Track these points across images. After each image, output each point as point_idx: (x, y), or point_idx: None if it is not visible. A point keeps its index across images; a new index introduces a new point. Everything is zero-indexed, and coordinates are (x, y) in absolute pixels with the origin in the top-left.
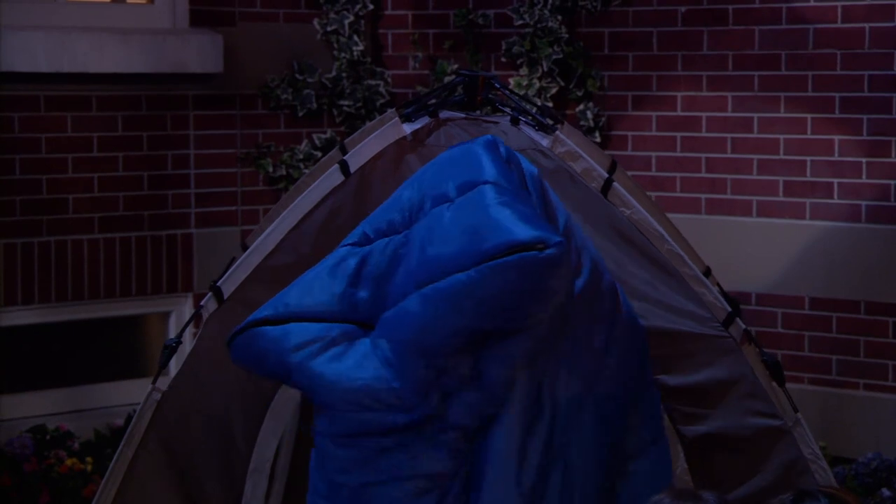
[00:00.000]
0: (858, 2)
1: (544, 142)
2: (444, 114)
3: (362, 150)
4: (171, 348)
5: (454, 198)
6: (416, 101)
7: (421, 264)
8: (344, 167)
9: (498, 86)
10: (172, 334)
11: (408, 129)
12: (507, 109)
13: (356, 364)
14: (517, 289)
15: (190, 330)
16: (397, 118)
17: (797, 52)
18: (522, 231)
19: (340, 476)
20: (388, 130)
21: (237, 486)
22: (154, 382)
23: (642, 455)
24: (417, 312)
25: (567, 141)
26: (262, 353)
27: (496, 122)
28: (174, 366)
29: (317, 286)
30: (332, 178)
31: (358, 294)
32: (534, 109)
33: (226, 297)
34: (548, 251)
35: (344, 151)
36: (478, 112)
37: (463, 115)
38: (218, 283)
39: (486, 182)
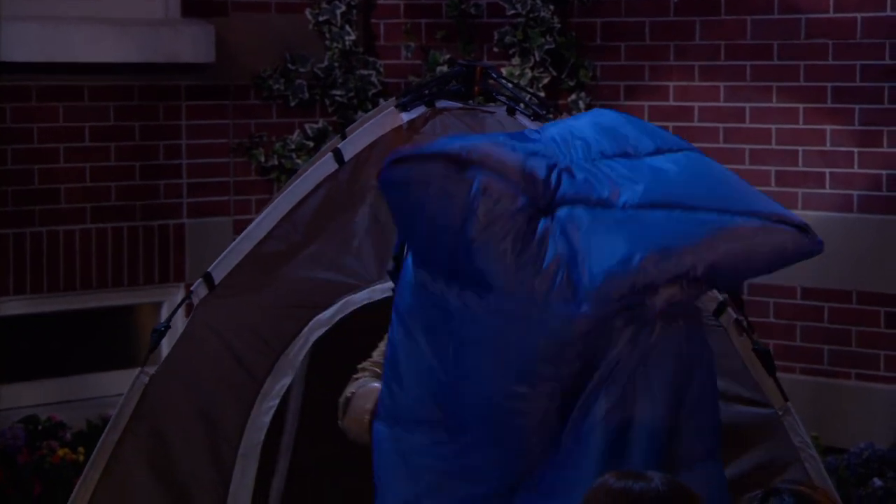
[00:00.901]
0: None
1: None
2: (440, 103)
3: (357, 139)
4: (160, 332)
5: (643, 154)
6: (413, 90)
7: (652, 183)
8: (338, 155)
9: (495, 76)
10: None
11: (405, 117)
12: (503, 99)
13: (539, 248)
14: (775, 258)
15: (181, 315)
16: (394, 107)
17: (789, 42)
18: (792, 214)
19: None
20: (385, 119)
21: (226, 471)
22: (143, 366)
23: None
24: (659, 227)
25: None
26: (448, 194)
27: (492, 112)
28: (164, 351)
29: (501, 147)
30: (325, 166)
31: (538, 172)
32: (527, 98)
33: (216, 282)
34: (818, 245)
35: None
36: (471, 102)
37: (459, 105)
38: (209, 269)
39: (689, 149)
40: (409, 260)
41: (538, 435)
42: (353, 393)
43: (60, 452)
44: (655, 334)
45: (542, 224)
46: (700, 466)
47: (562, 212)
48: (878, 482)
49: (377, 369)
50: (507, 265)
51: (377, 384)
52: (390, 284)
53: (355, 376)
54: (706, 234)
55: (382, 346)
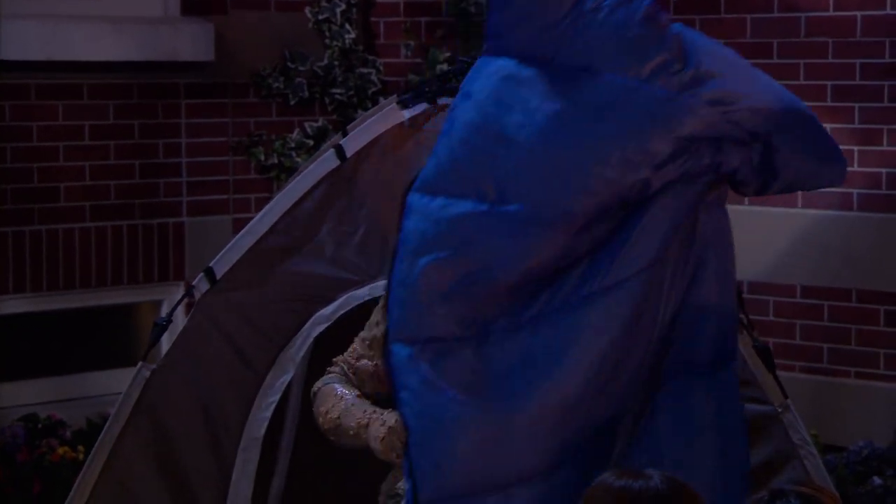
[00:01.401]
0: None
1: None
2: (441, 100)
3: (359, 135)
4: (161, 327)
5: None
6: (416, 87)
7: None
8: (339, 151)
9: None
10: None
11: (406, 114)
12: None
13: (655, 34)
14: (823, 163)
15: (182, 311)
16: (395, 104)
17: (789, 41)
18: None
19: None
20: (386, 115)
21: (227, 464)
22: (143, 360)
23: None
24: (758, 81)
25: None
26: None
27: None
28: (165, 345)
29: None
30: (327, 162)
31: None
32: None
33: (218, 277)
34: (843, 176)
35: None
36: None
37: None
38: (210, 264)
39: None
40: (488, 65)
41: (583, 232)
42: (318, 388)
43: (60, 451)
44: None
45: (662, 13)
46: (721, 371)
47: (678, 24)
48: (877, 480)
49: (346, 366)
50: (620, 42)
51: (338, 386)
52: None
53: (329, 369)
54: (791, 104)
55: (357, 344)
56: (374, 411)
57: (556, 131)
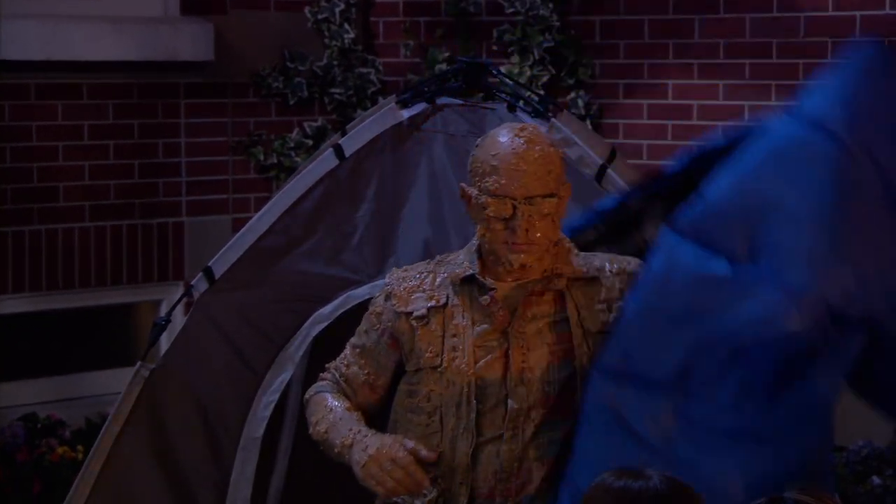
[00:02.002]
0: None
1: (541, 129)
2: (441, 100)
3: (358, 135)
4: (160, 326)
5: None
6: (414, 87)
7: None
8: (339, 151)
9: (496, 73)
10: None
11: (405, 114)
12: (504, 96)
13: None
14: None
15: (181, 310)
16: (394, 104)
17: (789, 40)
18: None
19: None
20: (385, 115)
21: (226, 464)
22: (143, 360)
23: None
24: None
25: (563, 128)
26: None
27: (493, 109)
28: (164, 345)
29: None
30: (326, 161)
31: None
32: (529, 95)
33: (217, 277)
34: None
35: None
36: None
37: (460, 102)
38: (209, 264)
39: None
40: (774, 125)
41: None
42: (310, 397)
43: (60, 450)
44: None
45: None
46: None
47: None
48: (876, 480)
49: (337, 374)
50: None
51: (329, 396)
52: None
53: (322, 375)
54: None
55: (348, 350)
56: (360, 431)
57: (838, 215)
